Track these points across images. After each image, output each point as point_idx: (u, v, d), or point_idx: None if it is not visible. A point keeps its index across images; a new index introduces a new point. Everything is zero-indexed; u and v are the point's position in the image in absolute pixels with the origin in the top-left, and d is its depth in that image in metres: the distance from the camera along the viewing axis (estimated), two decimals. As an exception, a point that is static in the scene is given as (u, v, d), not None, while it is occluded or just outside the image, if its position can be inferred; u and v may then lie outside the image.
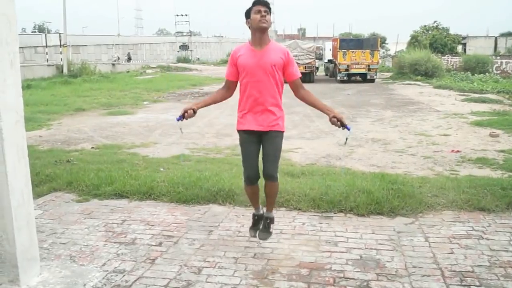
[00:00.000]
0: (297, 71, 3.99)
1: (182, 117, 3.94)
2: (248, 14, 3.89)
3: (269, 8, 3.84)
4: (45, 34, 41.52)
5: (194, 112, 3.94)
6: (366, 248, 4.29)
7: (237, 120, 4.07)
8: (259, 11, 3.79)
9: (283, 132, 4.04)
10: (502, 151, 8.87)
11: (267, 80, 3.87)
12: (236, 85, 4.07)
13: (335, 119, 3.83)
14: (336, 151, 9.04)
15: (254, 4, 3.84)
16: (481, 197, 5.47)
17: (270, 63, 3.85)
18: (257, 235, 4.26)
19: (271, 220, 4.22)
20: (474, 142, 9.88)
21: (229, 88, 4.09)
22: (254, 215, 4.36)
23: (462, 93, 21.28)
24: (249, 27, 3.93)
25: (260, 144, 4.03)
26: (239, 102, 4.03)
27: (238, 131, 4.08)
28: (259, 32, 3.85)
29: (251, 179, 4.09)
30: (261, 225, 4.25)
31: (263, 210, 4.33)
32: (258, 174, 4.09)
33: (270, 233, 4.21)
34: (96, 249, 4.29)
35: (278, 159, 4.02)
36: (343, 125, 3.84)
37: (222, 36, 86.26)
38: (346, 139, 4.25)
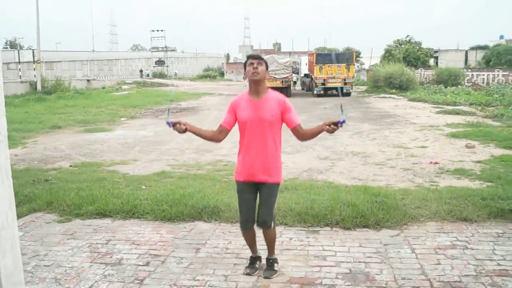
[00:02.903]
0: (296, 118, 4.01)
1: (173, 124, 3.87)
2: (245, 66, 4.03)
3: (263, 60, 3.97)
4: (18, 50, 40.73)
5: (184, 130, 3.91)
6: (354, 262, 4.31)
7: (236, 168, 4.11)
8: (252, 64, 3.91)
9: (279, 183, 4.08)
10: (478, 161, 9.06)
11: (265, 130, 3.92)
12: (227, 133, 4.10)
13: (328, 127, 3.75)
14: (317, 164, 9.10)
15: (247, 58, 4.01)
16: (463, 207, 5.57)
17: (268, 113, 3.91)
18: (262, 274, 4.15)
19: (274, 260, 4.23)
20: (451, 153, 10.06)
21: (221, 133, 4.09)
22: (251, 257, 4.31)
23: (436, 106, 21.71)
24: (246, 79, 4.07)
25: (256, 193, 4.07)
26: (239, 150, 4.08)
27: (236, 181, 4.11)
28: (254, 84, 3.96)
29: (245, 224, 4.11)
30: (265, 265, 4.22)
31: (259, 253, 4.31)
32: (253, 220, 4.08)
33: (275, 271, 4.16)
34: (82, 271, 4.21)
35: (272, 208, 4.04)
36: (336, 124, 3.74)
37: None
38: (341, 108, 3.79)
